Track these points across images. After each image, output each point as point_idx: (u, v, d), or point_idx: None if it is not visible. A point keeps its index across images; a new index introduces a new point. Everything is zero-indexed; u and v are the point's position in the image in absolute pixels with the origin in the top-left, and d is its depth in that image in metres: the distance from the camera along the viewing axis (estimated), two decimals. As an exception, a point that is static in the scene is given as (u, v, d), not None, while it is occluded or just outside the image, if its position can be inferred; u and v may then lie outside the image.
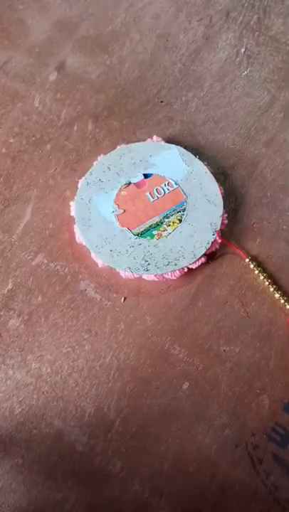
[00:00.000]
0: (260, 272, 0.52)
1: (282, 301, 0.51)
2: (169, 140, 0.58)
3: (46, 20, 0.66)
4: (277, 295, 0.51)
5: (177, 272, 0.52)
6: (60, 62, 0.64)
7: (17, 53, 0.64)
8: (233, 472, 0.46)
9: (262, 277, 0.52)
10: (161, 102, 0.62)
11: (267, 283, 0.51)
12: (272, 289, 0.51)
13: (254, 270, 0.52)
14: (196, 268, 0.53)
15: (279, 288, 0.52)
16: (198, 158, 0.57)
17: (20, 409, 0.48)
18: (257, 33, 0.66)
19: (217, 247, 0.53)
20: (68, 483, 0.46)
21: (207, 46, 0.65)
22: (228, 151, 0.59)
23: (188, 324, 0.51)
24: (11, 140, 0.59)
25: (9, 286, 0.52)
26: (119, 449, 0.47)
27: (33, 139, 0.59)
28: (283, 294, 0.51)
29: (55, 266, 0.53)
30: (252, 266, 0.52)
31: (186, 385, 0.49)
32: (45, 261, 0.53)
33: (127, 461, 0.46)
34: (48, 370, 0.49)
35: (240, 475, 0.46)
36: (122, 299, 0.52)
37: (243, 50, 0.65)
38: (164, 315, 0.51)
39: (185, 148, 0.57)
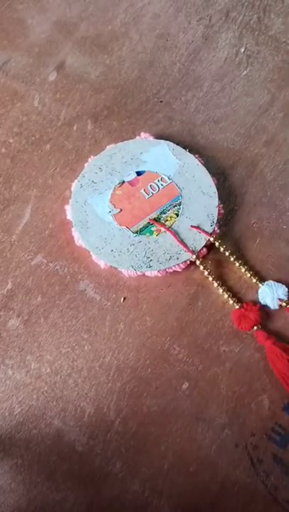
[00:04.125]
0: (225, 249, 0.52)
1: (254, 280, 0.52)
2: (168, 140, 0.58)
3: (46, 20, 0.66)
4: (248, 274, 0.52)
5: (181, 265, 0.52)
6: (60, 62, 0.64)
7: (16, 53, 0.64)
8: (233, 472, 0.46)
9: (227, 253, 0.52)
10: (161, 101, 0.62)
11: (232, 258, 0.52)
12: (238, 265, 0.52)
13: (220, 248, 0.53)
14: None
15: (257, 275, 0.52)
16: (192, 151, 0.57)
17: (19, 409, 0.48)
18: (257, 32, 0.66)
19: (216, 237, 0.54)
20: (68, 483, 0.46)
21: (207, 46, 0.65)
22: (228, 151, 0.59)
23: (188, 324, 0.51)
24: (11, 140, 0.59)
25: (9, 286, 0.52)
26: (119, 449, 0.47)
27: (33, 138, 0.59)
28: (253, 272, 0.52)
29: (55, 266, 0.53)
30: (217, 244, 0.53)
31: (185, 385, 0.49)
32: (45, 261, 0.53)
33: (127, 461, 0.46)
34: (48, 370, 0.49)
35: (240, 475, 0.46)
36: (122, 299, 0.52)
37: (242, 50, 0.65)
38: (164, 315, 0.51)
39: (184, 147, 0.57)
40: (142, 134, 0.59)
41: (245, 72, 0.64)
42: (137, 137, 0.58)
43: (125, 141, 0.58)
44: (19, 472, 0.46)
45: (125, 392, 0.48)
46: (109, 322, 0.51)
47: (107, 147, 0.58)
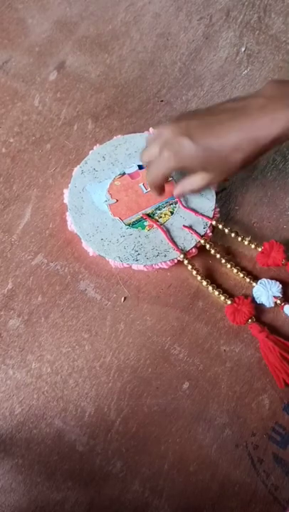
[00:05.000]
0: (216, 251, 0.53)
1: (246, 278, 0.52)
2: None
3: (46, 19, 0.66)
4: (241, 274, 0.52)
5: (168, 262, 0.52)
6: (60, 61, 0.64)
7: (17, 53, 0.64)
8: (233, 472, 0.46)
9: (218, 256, 0.52)
10: (162, 101, 0.62)
11: (224, 260, 0.52)
12: (229, 266, 0.52)
13: (211, 250, 0.53)
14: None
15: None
16: None
17: (20, 409, 0.48)
18: (257, 32, 0.66)
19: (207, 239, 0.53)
20: (68, 483, 0.46)
21: (207, 45, 0.65)
22: (229, 150, 0.59)
23: (188, 324, 0.51)
24: (11, 140, 0.59)
25: (9, 286, 0.52)
26: (119, 449, 0.47)
27: (33, 138, 0.59)
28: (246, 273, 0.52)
29: (55, 266, 0.53)
30: (208, 246, 0.53)
31: (186, 385, 0.49)
32: (45, 261, 0.53)
33: (127, 461, 0.46)
34: (48, 370, 0.49)
35: (240, 475, 0.46)
36: (122, 298, 0.52)
37: (243, 49, 0.65)
38: (164, 315, 0.51)
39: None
40: (151, 129, 0.59)
41: (245, 71, 0.63)
42: (146, 132, 0.59)
43: (132, 134, 0.58)
44: (20, 472, 0.46)
45: (126, 392, 0.48)
46: (109, 322, 0.51)
47: (114, 137, 0.58)
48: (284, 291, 0.51)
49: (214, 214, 0.54)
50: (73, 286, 0.52)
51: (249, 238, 0.53)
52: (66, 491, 0.45)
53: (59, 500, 0.45)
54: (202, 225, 0.53)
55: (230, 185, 0.57)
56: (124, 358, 0.50)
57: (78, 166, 0.56)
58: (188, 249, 0.52)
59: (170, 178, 0.55)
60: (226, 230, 0.53)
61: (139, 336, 0.50)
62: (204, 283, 0.51)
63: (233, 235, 0.53)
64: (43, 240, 0.54)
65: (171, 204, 0.54)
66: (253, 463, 0.46)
